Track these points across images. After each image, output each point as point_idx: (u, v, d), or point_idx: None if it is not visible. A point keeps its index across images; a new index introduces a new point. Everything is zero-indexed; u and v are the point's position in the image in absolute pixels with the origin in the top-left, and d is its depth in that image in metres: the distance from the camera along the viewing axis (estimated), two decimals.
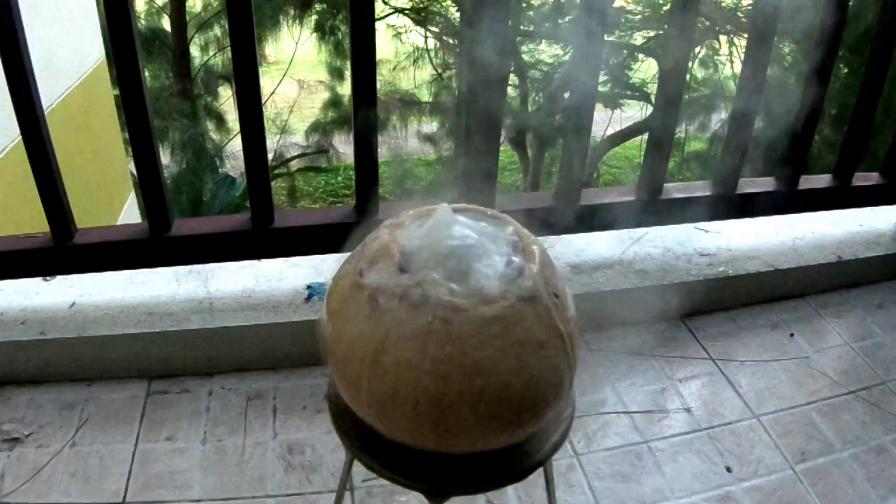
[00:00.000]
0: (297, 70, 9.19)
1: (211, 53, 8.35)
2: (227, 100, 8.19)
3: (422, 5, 8.36)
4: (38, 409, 1.54)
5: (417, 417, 0.81)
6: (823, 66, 1.76)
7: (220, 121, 8.25)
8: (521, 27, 7.59)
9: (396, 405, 0.81)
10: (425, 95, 8.56)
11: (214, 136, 8.16)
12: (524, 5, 7.47)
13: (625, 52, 7.97)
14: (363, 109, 1.52)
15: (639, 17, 8.12)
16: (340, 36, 7.95)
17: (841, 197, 2.01)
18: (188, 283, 1.75)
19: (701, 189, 1.89)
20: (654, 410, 1.60)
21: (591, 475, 1.44)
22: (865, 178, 2.03)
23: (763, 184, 1.94)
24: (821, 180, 2.01)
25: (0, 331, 1.59)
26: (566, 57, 7.80)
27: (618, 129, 8.49)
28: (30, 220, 1.84)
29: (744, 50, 2.50)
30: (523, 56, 7.99)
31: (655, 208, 1.82)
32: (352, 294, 0.86)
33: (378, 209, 1.65)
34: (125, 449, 1.45)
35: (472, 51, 1.50)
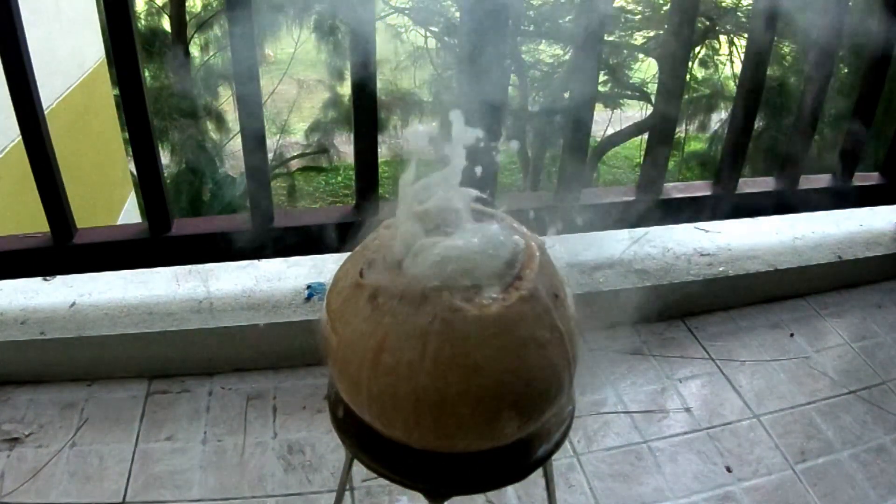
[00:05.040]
0: (297, 70, 9.18)
1: (211, 53, 8.34)
2: (227, 100, 8.19)
3: (421, 4, 8.36)
4: (38, 409, 1.54)
5: (417, 417, 0.80)
6: (822, 64, 1.76)
7: (220, 121, 8.25)
8: (522, 26, 7.59)
9: (396, 405, 0.81)
10: (426, 95, 8.55)
11: (214, 136, 8.16)
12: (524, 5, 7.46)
13: (625, 52, 7.97)
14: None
15: (639, 17, 8.12)
16: (340, 36, 7.94)
17: (841, 197, 2.01)
18: (188, 283, 1.75)
19: (701, 189, 1.89)
20: (654, 410, 1.60)
21: (591, 475, 1.44)
22: (865, 178, 2.03)
23: (763, 184, 1.94)
24: (821, 180, 2.01)
25: (0, 331, 1.59)
26: (566, 56, 7.80)
27: (618, 129, 8.49)
28: (30, 220, 1.84)
29: (744, 50, 2.50)
30: (523, 56, 7.99)
31: (655, 208, 1.82)
32: (352, 294, 0.86)
33: (378, 209, 1.65)
34: (125, 449, 1.45)
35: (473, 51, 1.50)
